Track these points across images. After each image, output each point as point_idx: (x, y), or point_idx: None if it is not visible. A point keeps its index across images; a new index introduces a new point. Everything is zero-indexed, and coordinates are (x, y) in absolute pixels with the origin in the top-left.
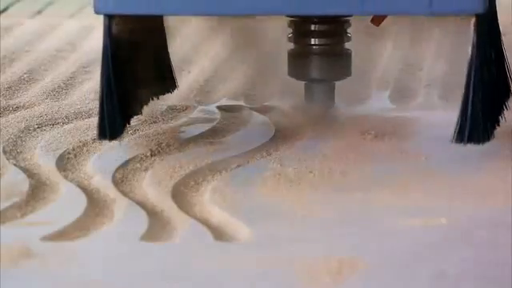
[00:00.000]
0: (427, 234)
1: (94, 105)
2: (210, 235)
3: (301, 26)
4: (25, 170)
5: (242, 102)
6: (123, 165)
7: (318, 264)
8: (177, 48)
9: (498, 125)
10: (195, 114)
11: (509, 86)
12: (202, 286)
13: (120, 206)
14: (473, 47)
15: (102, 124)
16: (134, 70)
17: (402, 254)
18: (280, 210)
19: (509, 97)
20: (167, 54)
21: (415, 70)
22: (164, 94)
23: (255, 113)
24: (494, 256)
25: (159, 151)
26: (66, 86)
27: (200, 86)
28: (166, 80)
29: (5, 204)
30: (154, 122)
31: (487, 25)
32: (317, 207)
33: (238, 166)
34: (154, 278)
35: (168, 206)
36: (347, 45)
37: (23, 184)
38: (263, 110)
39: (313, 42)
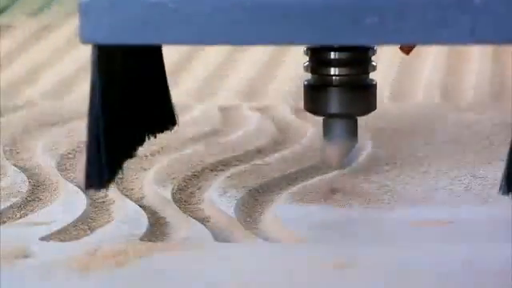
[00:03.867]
0: (427, 234)
1: None
2: (210, 235)
3: (319, 54)
4: (25, 170)
5: (242, 102)
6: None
7: (319, 264)
8: (178, 47)
9: None
10: (195, 113)
11: None
12: (202, 286)
13: (120, 206)
14: None
15: (90, 171)
16: (126, 107)
17: (402, 253)
18: (280, 209)
19: None
20: (166, 86)
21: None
22: (162, 132)
23: (255, 113)
24: (495, 255)
25: (159, 151)
26: (66, 85)
27: (200, 85)
28: (164, 116)
29: (5, 204)
30: None
31: None
32: (317, 207)
33: (238, 166)
34: (154, 278)
35: (168, 206)
36: (372, 75)
37: (23, 184)
38: (263, 110)
39: (332, 73)
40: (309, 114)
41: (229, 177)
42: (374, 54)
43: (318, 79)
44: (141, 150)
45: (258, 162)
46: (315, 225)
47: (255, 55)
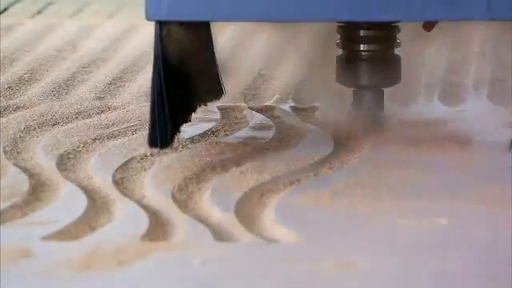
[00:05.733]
0: (427, 234)
1: (94, 105)
2: (210, 235)
3: (349, 32)
4: (25, 170)
5: (242, 102)
6: (123, 165)
7: (318, 264)
8: None
9: None
10: (195, 114)
11: None
12: (202, 286)
13: (120, 205)
14: None
15: (153, 132)
16: (183, 77)
17: (402, 253)
18: (280, 209)
19: None
20: (215, 61)
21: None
22: (212, 101)
23: (255, 113)
24: (494, 256)
25: (159, 151)
26: (66, 85)
27: None
28: (213, 87)
29: (5, 204)
30: None
31: None
32: (316, 207)
33: (238, 166)
34: (154, 277)
35: (168, 206)
36: (396, 50)
37: (23, 184)
38: (263, 110)
39: (362, 48)
40: (309, 114)
41: (229, 177)
42: (398, 32)
43: (348, 54)
44: (141, 150)
45: (258, 162)
46: (315, 225)
47: (255, 55)
